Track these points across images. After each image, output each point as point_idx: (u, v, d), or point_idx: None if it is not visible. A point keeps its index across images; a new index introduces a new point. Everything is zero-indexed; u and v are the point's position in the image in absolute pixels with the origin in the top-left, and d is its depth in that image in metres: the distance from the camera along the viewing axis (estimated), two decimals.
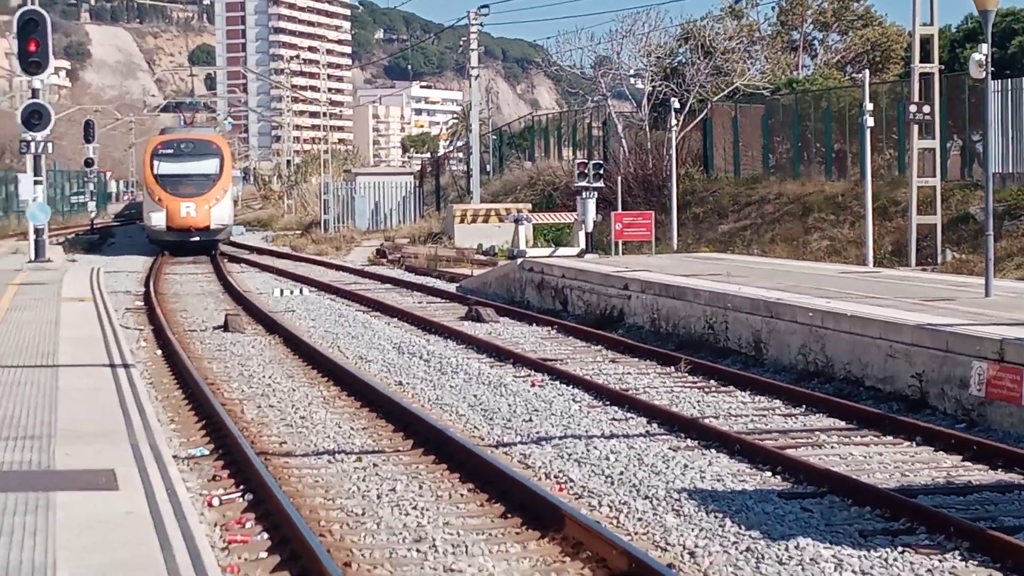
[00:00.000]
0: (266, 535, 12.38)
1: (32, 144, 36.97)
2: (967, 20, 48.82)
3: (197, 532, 8.86)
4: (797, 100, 51.45)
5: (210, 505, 13.47)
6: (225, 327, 29.24)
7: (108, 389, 15.05)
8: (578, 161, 45.05)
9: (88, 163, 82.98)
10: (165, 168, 58.35)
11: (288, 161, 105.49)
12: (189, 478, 14.59)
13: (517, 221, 45.78)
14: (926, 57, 35.57)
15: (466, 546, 11.97)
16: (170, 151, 59.12)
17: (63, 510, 9.39)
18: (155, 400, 19.98)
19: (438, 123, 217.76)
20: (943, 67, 38.05)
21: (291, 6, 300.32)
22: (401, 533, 12.48)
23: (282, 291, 38.77)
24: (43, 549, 8.52)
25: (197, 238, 57.74)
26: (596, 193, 40.50)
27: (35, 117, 36.25)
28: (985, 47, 22.73)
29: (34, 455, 11.36)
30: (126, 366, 16.93)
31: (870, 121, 34.74)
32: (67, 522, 9.11)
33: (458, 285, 40.03)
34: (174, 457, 15.45)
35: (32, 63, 33.01)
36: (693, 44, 62.45)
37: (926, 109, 34.83)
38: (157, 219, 57.88)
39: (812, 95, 51.17)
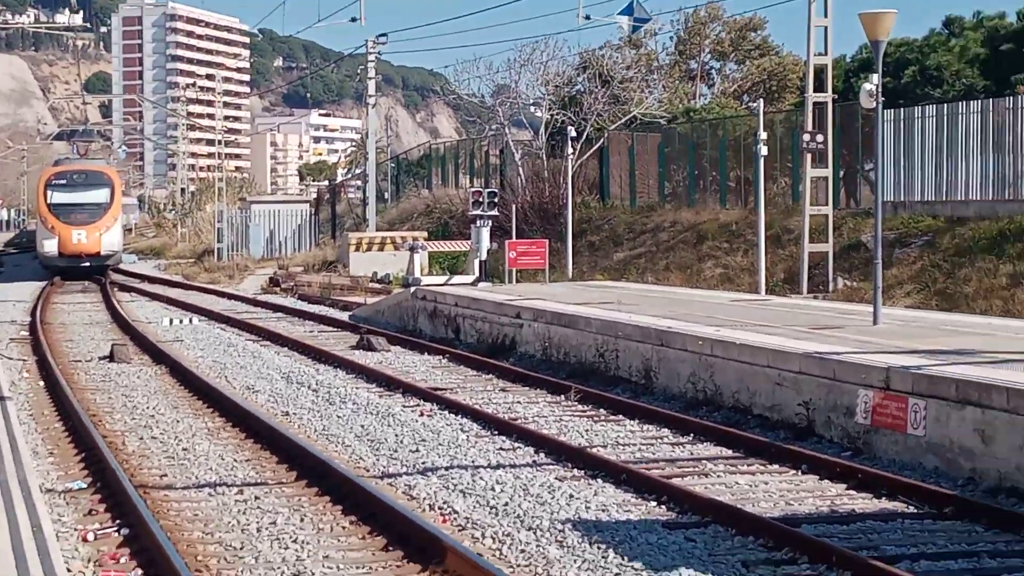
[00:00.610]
0: (140, 571, 12.10)
1: None
2: (862, 50, 49.23)
3: (59, 571, 8.55)
4: (694, 129, 51.68)
5: (85, 540, 13.17)
6: (111, 357, 28.78)
7: None
8: (472, 189, 44.90)
9: None
10: (58, 198, 61.10)
11: (183, 189, 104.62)
12: (65, 512, 14.28)
13: (412, 249, 45.47)
14: (821, 87, 35.75)
15: None
16: (63, 181, 62.01)
17: None
18: (35, 432, 19.61)
19: (337, 151, 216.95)
20: (837, 96, 38.26)
21: (189, 34, 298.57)
22: (279, 568, 12.24)
23: (171, 320, 38.29)
24: None
25: (88, 264, 60.27)
26: (490, 221, 40.34)
27: None
28: (876, 77, 22.81)
29: None
30: (1, 399, 16.51)
31: (764, 150, 34.84)
32: None
33: (351, 314, 39.74)
34: (48, 491, 15.14)
35: None
36: (591, 73, 62.58)
37: (819, 138, 34.96)
38: (50, 246, 60.53)
39: (708, 124, 51.40)
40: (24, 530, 9.47)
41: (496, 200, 41.02)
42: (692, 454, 17.56)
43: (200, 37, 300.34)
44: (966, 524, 13.59)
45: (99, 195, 61.60)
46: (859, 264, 35.61)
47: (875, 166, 24.45)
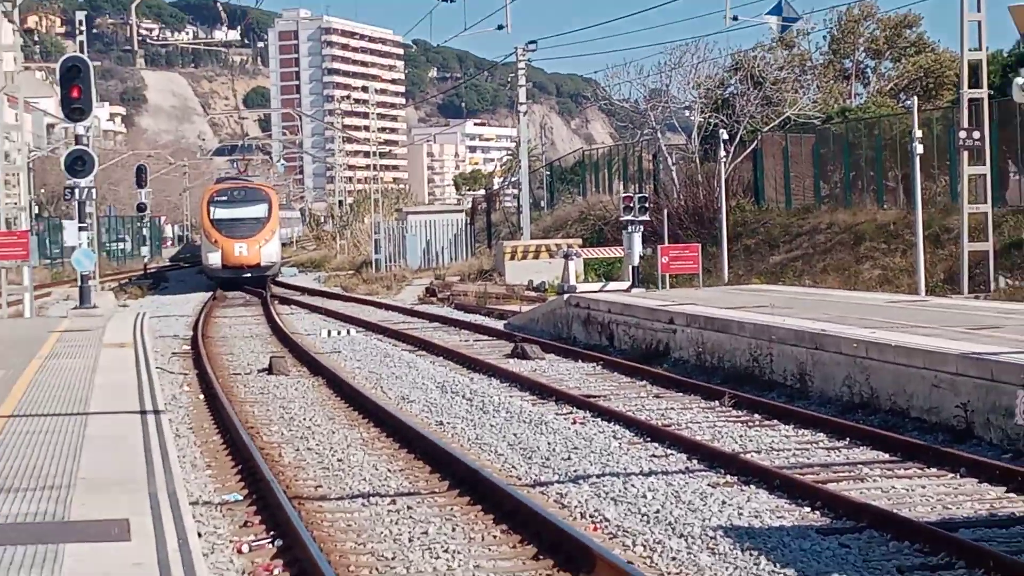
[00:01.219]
0: None
1: (76, 190, 37.03)
2: (1018, 45, 48.41)
3: None
4: (848, 129, 51.14)
5: (240, 551, 13.31)
6: (270, 370, 29.14)
7: (135, 436, 14.89)
8: (623, 195, 44.84)
9: (140, 208, 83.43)
10: (220, 213, 65.54)
11: (340, 202, 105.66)
12: (221, 524, 14.45)
13: (567, 256, 45.61)
14: (977, 83, 35.22)
15: None
16: (224, 198, 66.65)
17: (70, 563, 9.20)
18: (193, 445, 19.90)
19: (492, 160, 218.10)
20: (994, 92, 37.68)
21: (344, 47, 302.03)
22: None
23: (329, 332, 38.69)
24: None
25: (249, 274, 64.48)
26: (642, 227, 40.27)
27: (79, 163, 36.31)
28: None
29: (50, 506, 11.20)
30: (156, 412, 16.78)
31: (919, 148, 34.42)
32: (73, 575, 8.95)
33: (506, 322, 39.84)
34: (202, 503, 15.36)
35: (75, 109, 33.04)
36: (743, 75, 62.29)
37: (976, 135, 34.47)
38: (214, 258, 64.97)
39: (864, 123, 50.83)
40: (171, 543, 9.58)
41: (647, 205, 40.99)
42: (847, 458, 17.34)
43: (355, 50, 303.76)
44: None
45: (258, 210, 66.02)
46: (1021, 263, 35.03)
47: None
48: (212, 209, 66.07)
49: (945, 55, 65.94)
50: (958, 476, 15.87)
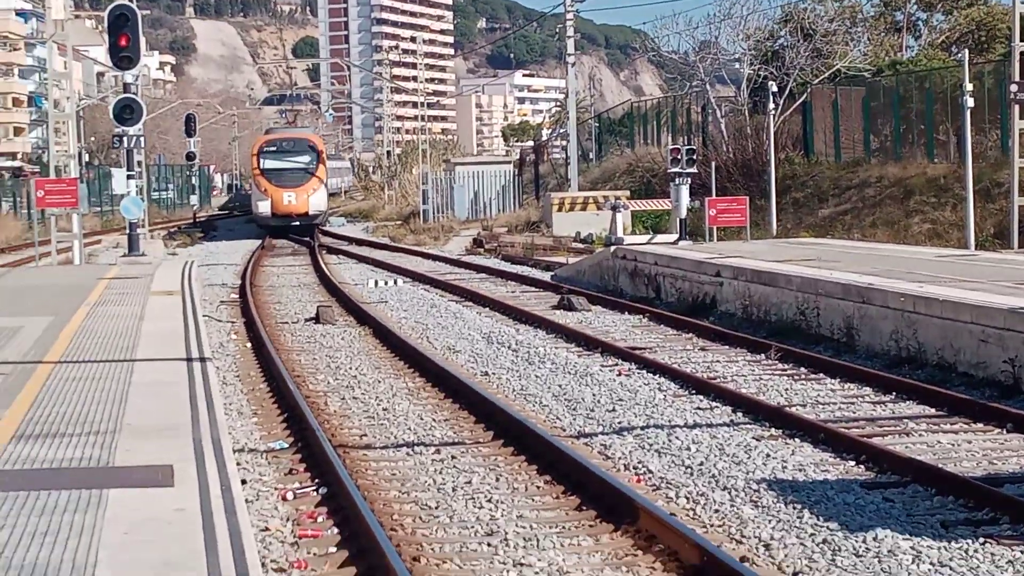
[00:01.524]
0: (336, 530, 12.26)
1: (125, 138, 37.17)
2: None
3: (245, 530, 8.71)
4: (899, 82, 50.75)
5: (284, 499, 13.38)
6: (317, 319, 29.24)
7: (181, 383, 14.97)
8: (671, 147, 44.68)
9: (190, 157, 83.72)
10: (269, 163, 67.28)
11: (388, 152, 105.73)
12: (266, 472, 14.54)
13: (614, 208, 45.48)
14: None
15: (537, 539, 11.78)
16: (273, 148, 68.34)
17: (114, 507, 9.29)
18: (240, 393, 20.00)
19: (541, 111, 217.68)
20: None
21: None
22: (473, 527, 12.31)
23: (376, 282, 38.77)
24: (87, 547, 8.41)
25: (297, 223, 66.43)
26: (689, 179, 40.10)
27: (127, 112, 36.45)
28: None
29: (95, 451, 11.28)
30: (203, 360, 16.86)
31: (970, 102, 34.13)
32: (115, 520, 9.00)
33: (552, 274, 39.82)
34: (248, 451, 15.45)
35: (123, 58, 33.08)
36: (793, 27, 61.88)
37: None
38: (263, 207, 67.04)
39: (915, 77, 50.44)
40: (213, 489, 9.64)
41: (695, 157, 40.80)
42: (893, 413, 17.27)
43: (404, 0, 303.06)
44: None
45: (306, 160, 67.90)
46: None
47: None
48: (262, 159, 67.90)
49: (997, 8, 65.35)
50: (1004, 431, 15.79)
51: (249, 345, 25.60)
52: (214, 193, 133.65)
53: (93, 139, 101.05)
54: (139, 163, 43.71)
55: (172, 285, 28.87)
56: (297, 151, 68.44)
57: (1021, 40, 34.50)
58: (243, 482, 13.14)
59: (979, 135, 42.69)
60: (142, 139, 39.00)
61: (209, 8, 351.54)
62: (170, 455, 10.95)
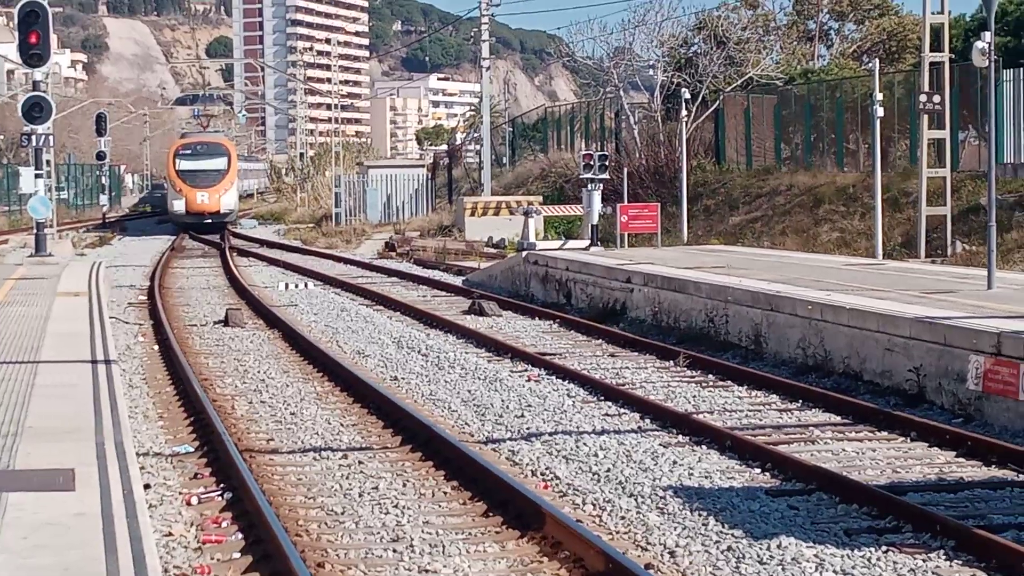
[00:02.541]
0: (241, 535, 12.18)
1: (33, 137, 36.78)
2: (981, 9, 48.42)
3: (146, 534, 8.62)
4: (811, 90, 51.14)
5: (188, 503, 13.28)
6: (226, 322, 29.06)
7: (85, 386, 14.83)
8: (584, 152, 44.77)
9: (100, 156, 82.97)
10: (184, 165, 72.77)
11: (301, 154, 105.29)
12: (171, 476, 14.42)
13: (527, 214, 45.53)
14: (939, 46, 35.24)
15: (444, 545, 11.76)
16: (189, 151, 73.91)
17: (13, 511, 9.17)
18: (146, 396, 19.83)
19: (455, 115, 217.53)
20: (955, 56, 37.72)
21: None
22: (379, 532, 12.28)
23: (287, 285, 38.59)
24: None
25: (209, 220, 71.44)
26: (601, 185, 40.20)
27: (36, 110, 36.06)
28: (988, 34, 22.41)
29: None
30: (108, 362, 16.71)
31: (880, 111, 34.44)
32: (14, 524, 8.89)
33: (464, 279, 39.82)
34: (153, 455, 15.31)
35: (33, 55, 32.77)
36: (707, 34, 62.25)
37: (936, 99, 34.48)
38: (178, 205, 72.50)
39: (826, 85, 50.85)
40: (115, 493, 9.54)
41: (607, 163, 40.90)
42: (799, 420, 17.39)
43: (319, 1, 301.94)
44: None
45: (218, 163, 73.15)
46: (977, 228, 35.07)
47: (988, 126, 24.00)
48: (177, 161, 73.11)
49: (908, 18, 66.08)
50: (908, 440, 15.93)
51: (156, 348, 25.39)
52: (125, 194, 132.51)
53: (2, 137, 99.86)
54: (48, 162, 43.16)
55: (79, 286, 28.60)
56: (211, 154, 73.41)
57: (931, 51, 34.86)
58: (146, 486, 13.03)
59: (888, 145, 43.10)
60: (51, 138, 38.59)
61: (122, 6, 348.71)
62: (72, 458, 10.84)
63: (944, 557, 11.22)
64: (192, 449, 15.91)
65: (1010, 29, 45.83)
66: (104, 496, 9.45)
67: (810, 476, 13.82)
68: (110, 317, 24.27)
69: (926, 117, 34.83)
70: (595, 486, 13.85)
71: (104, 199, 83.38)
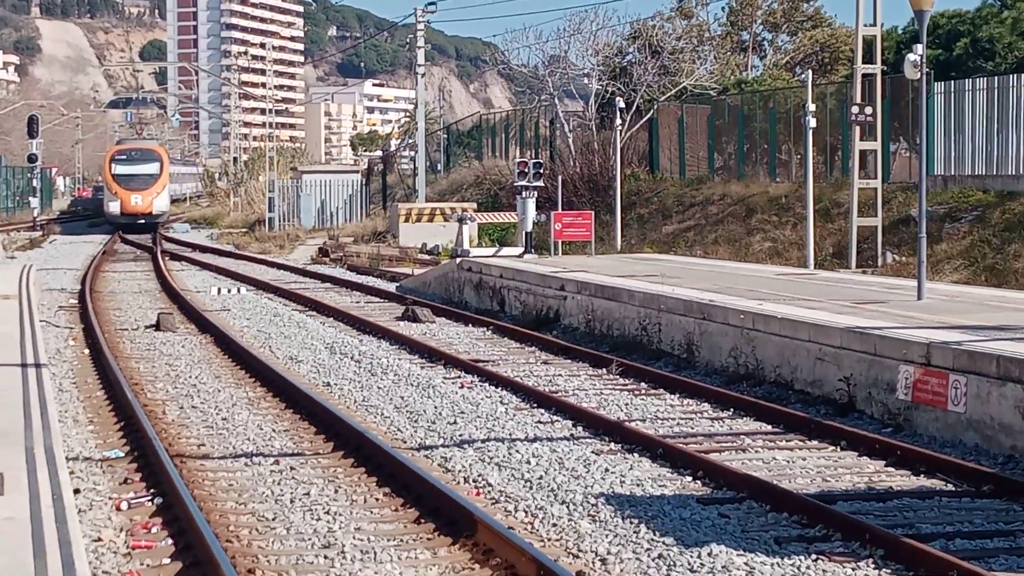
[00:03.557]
0: (171, 540, 12.13)
1: None
2: (912, 22, 48.80)
3: (75, 539, 8.57)
4: (744, 101, 51.36)
5: (118, 508, 13.21)
6: (157, 326, 28.91)
7: (15, 389, 14.72)
8: (518, 160, 44.81)
9: (31, 159, 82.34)
10: (120, 170, 78.06)
11: (235, 159, 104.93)
12: (100, 481, 14.34)
13: (461, 220, 45.44)
14: (871, 58, 35.48)
15: (375, 552, 11.76)
16: (124, 157, 79.30)
17: None
18: (76, 400, 19.69)
19: (391, 121, 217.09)
20: (888, 68, 37.98)
21: (244, 2, 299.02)
22: (311, 539, 12.25)
23: (219, 290, 38.40)
24: None
25: (143, 221, 76.36)
26: (536, 192, 40.23)
27: None
28: (920, 47, 22.60)
29: None
30: (38, 366, 16.60)
31: (812, 122, 34.61)
32: None
33: (398, 285, 39.77)
34: (82, 459, 15.21)
35: None
36: (642, 43, 62.41)
37: (868, 110, 34.67)
38: (114, 207, 77.55)
39: (759, 96, 51.08)
40: (44, 498, 9.47)
41: (541, 171, 40.92)
42: (731, 429, 17.48)
43: (254, 5, 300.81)
44: (1004, 502, 13.45)
45: (151, 168, 78.33)
46: (908, 239, 35.30)
47: (920, 138, 24.20)
48: (113, 166, 78.35)
49: (841, 30, 66.51)
50: (838, 449, 16.04)
51: (87, 352, 25.22)
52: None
53: None
54: None
55: (9, 289, 28.39)
56: (144, 159, 78.88)
57: (863, 63, 35.09)
58: (76, 491, 12.94)
59: (820, 155, 43.35)
60: None
61: (55, 8, 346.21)
62: (1, 462, 10.75)
63: (873, 566, 11.31)
64: (122, 454, 15.82)
65: (941, 42, 46.23)
66: (33, 501, 9.38)
67: (741, 484, 13.89)
68: (40, 320, 24.09)
69: (858, 128, 35.03)
70: (527, 493, 13.87)
71: (35, 202, 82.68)
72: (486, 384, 21.15)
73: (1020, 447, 15.22)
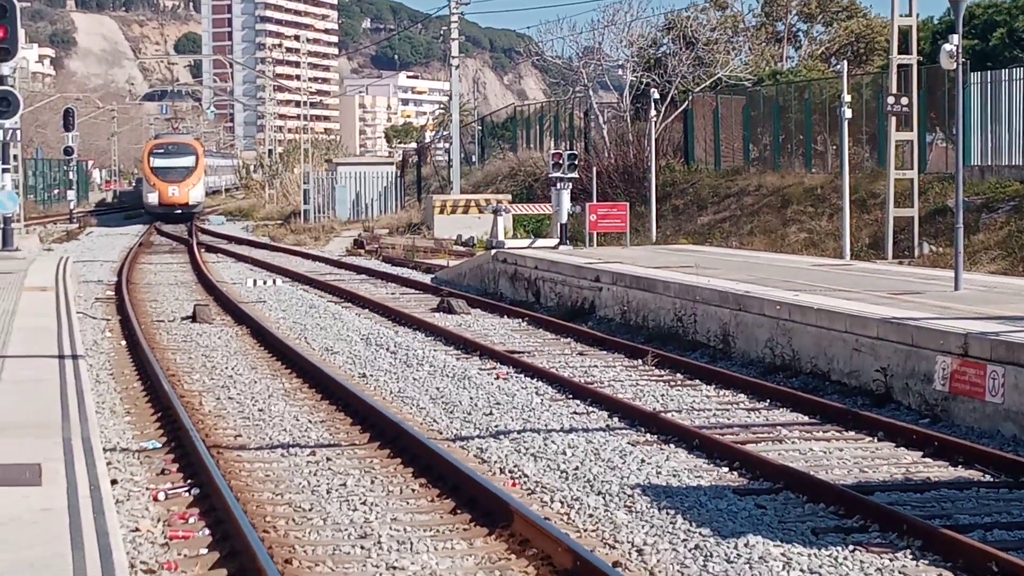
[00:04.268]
0: (208, 531, 12.16)
1: (0, 132, 36.60)
2: (948, 12, 48.55)
3: (112, 530, 8.59)
4: (779, 92, 51.22)
5: (156, 499, 13.26)
6: (193, 318, 28.99)
7: (52, 380, 14.77)
8: (552, 151, 44.78)
9: (67, 152, 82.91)
10: (157, 163, 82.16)
11: (270, 151, 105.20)
12: (138, 471, 14.39)
13: (496, 212, 45.46)
14: (907, 49, 35.35)
15: (411, 543, 11.75)
16: (161, 151, 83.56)
17: None
18: (113, 392, 19.78)
19: (425, 113, 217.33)
20: (923, 59, 37.85)
21: None
22: (347, 529, 12.26)
23: (255, 281, 38.50)
24: None
25: (179, 211, 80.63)
26: (570, 184, 40.20)
27: (3, 104, 35.76)
28: (956, 37, 22.50)
29: None
30: (75, 357, 16.65)
31: (848, 113, 34.53)
32: None
33: (433, 276, 39.80)
34: (120, 450, 15.27)
35: (0, 50, 32.57)
36: (676, 34, 62.30)
37: (904, 101, 34.58)
38: (152, 198, 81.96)
39: (794, 87, 50.93)
40: (82, 488, 9.50)
41: (576, 162, 40.92)
42: (767, 420, 17.44)
43: None
44: None
45: (187, 160, 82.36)
46: (945, 229, 35.18)
47: (956, 129, 24.09)
48: (151, 159, 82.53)
49: (876, 20, 66.18)
50: (875, 440, 15.98)
51: (124, 343, 25.32)
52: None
53: None
54: (15, 157, 43.00)
55: (47, 281, 28.50)
56: (181, 153, 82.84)
57: (899, 53, 34.97)
58: (113, 482, 13.00)
59: (856, 146, 43.21)
60: (19, 132, 38.42)
61: (90, 2, 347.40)
62: (39, 453, 10.79)
63: (911, 557, 11.26)
64: (159, 445, 15.88)
65: (977, 32, 46.05)
66: (71, 491, 9.41)
67: (777, 475, 13.85)
68: (77, 312, 24.19)
69: (894, 119, 34.91)
70: (563, 484, 13.86)
71: (71, 194, 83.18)
72: (521, 375, 21.14)
73: None
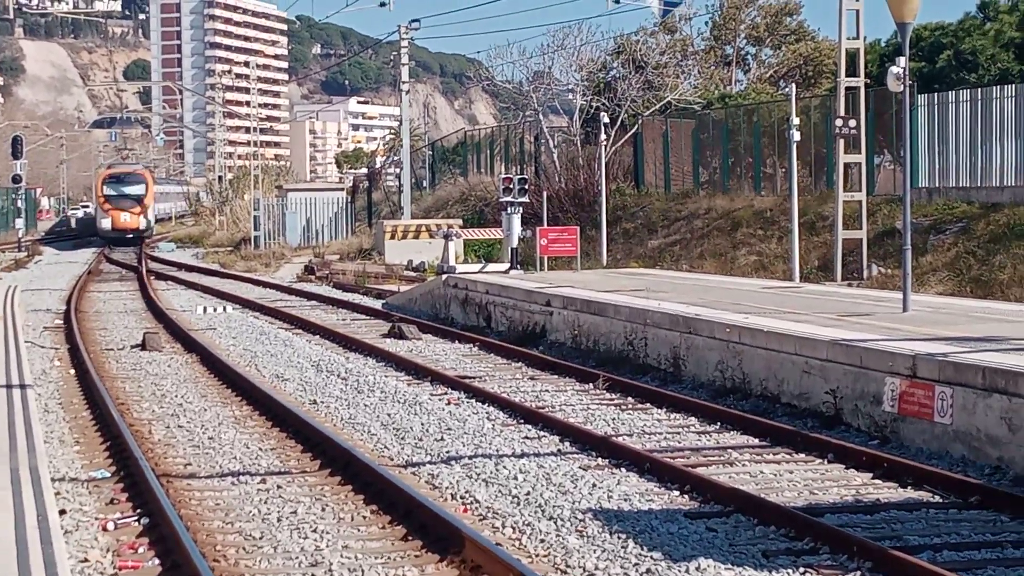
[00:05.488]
0: (158, 560, 12.10)
1: None
2: (895, 35, 48.88)
3: (60, 560, 8.54)
4: (728, 115, 51.42)
5: (105, 529, 13.17)
6: (143, 346, 28.85)
7: None
8: (503, 176, 44.82)
9: (16, 179, 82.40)
10: (109, 191, 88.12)
11: (220, 177, 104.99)
12: (87, 501, 14.29)
13: (447, 237, 45.40)
14: (854, 71, 35.55)
15: (363, 570, 11.73)
16: (113, 180, 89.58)
17: None
18: (62, 421, 19.64)
19: (375, 138, 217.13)
20: (871, 81, 38.05)
21: (227, 21, 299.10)
22: (298, 557, 12.22)
23: (205, 309, 38.36)
24: None
25: (130, 235, 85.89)
26: (521, 208, 40.22)
27: None
28: (903, 60, 22.65)
29: None
30: (23, 387, 16.55)
31: (797, 136, 34.66)
32: None
33: (384, 302, 39.74)
34: (68, 480, 15.16)
35: None
36: (625, 58, 62.49)
37: (852, 123, 34.72)
38: (105, 223, 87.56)
39: (743, 110, 51.14)
40: (29, 518, 9.44)
41: (526, 187, 40.91)
42: (718, 443, 17.47)
43: (238, 24, 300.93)
44: (991, 514, 13.45)
45: (138, 189, 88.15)
46: (893, 251, 35.34)
47: (903, 151, 24.25)
48: (105, 188, 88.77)
49: (824, 43, 66.58)
50: (825, 462, 16.03)
51: (73, 372, 25.16)
52: (40, 217, 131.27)
53: None
54: None
55: None
56: (131, 182, 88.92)
57: (847, 76, 35.16)
58: (61, 512, 12.90)
59: (805, 169, 43.41)
60: None
61: (39, 29, 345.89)
62: None
63: None
64: (108, 474, 15.78)
65: (924, 55, 46.41)
66: (18, 521, 9.34)
67: (728, 498, 13.88)
68: (25, 341, 24.03)
69: (842, 141, 35.07)
70: (515, 509, 13.85)
71: (20, 223, 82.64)
72: (473, 400, 21.13)
73: (1006, 458, 15.23)
